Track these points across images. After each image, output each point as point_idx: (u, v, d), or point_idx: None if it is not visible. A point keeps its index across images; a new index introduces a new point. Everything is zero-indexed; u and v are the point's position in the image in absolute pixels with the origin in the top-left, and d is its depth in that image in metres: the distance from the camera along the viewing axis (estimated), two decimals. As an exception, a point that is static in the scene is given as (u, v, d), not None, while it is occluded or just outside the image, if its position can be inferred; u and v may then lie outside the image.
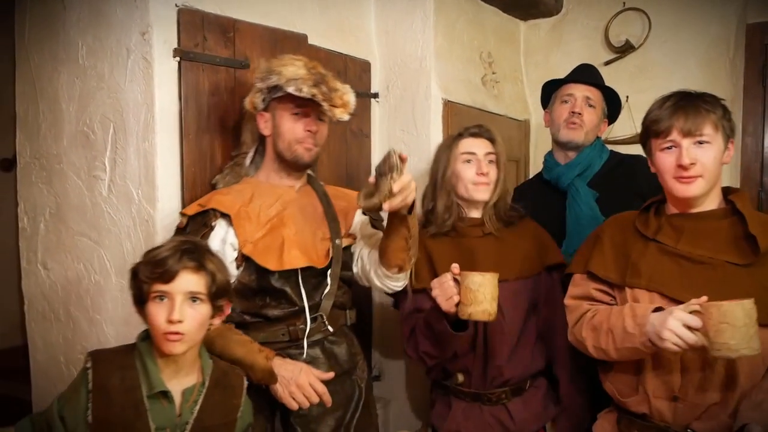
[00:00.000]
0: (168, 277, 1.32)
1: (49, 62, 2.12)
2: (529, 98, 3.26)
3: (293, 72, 1.73)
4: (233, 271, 1.68)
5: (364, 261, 1.87)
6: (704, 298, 1.35)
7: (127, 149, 1.90)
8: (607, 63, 3.03)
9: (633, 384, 1.56)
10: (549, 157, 2.31)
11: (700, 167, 1.46)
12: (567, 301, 1.73)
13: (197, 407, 1.39)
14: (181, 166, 1.91)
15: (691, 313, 1.36)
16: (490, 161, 1.94)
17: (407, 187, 1.57)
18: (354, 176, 2.55)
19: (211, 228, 1.70)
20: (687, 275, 1.48)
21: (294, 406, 1.59)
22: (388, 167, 1.54)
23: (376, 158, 2.66)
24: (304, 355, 1.75)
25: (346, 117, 1.79)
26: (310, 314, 1.76)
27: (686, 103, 1.47)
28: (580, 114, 2.16)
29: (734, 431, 1.42)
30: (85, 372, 1.35)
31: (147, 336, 1.39)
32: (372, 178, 1.59)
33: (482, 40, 2.91)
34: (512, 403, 1.91)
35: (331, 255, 1.80)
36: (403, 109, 2.60)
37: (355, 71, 2.55)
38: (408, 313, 1.96)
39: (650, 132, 1.53)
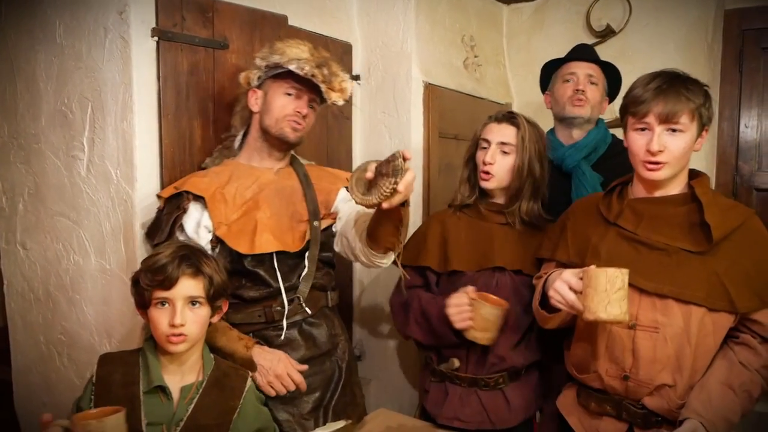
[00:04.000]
0: (168, 283, 1.38)
1: (26, 41, 2.10)
2: (511, 81, 3.28)
3: (297, 53, 1.77)
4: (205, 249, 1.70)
5: (350, 239, 1.84)
6: (592, 266, 1.41)
7: (105, 129, 1.89)
8: (589, 47, 3.05)
9: (588, 362, 1.62)
10: (552, 137, 2.25)
11: (668, 154, 1.48)
12: (534, 280, 1.79)
13: (192, 405, 1.42)
14: (160, 147, 1.91)
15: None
16: (504, 152, 1.90)
17: (410, 185, 1.48)
18: (334, 158, 2.56)
19: (184, 210, 1.73)
20: (643, 260, 1.51)
21: (272, 393, 1.65)
22: (392, 169, 1.45)
23: (357, 140, 2.67)
24: (282, 337, 1.76)
25: (341, 102, 1.83)
26: (287, 296, 1.77)
27: (668, 88, 1.47)
28: (583, 91, 2.17)
29: (679, 420, 1.47)
30: (92, 371, 1.44)
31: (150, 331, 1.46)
32: (370, 174, 1.50)
33: (464, 23, 2.91)
34: (509, 388, 1.92)
35: (308, 237, 1.80)
36: (384, 91, 2.60)
37: (336, 53, 2.54)
38: (403, 287, 1.96)
39: (628, 109, 1.54)
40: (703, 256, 1.48)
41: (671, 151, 1.48)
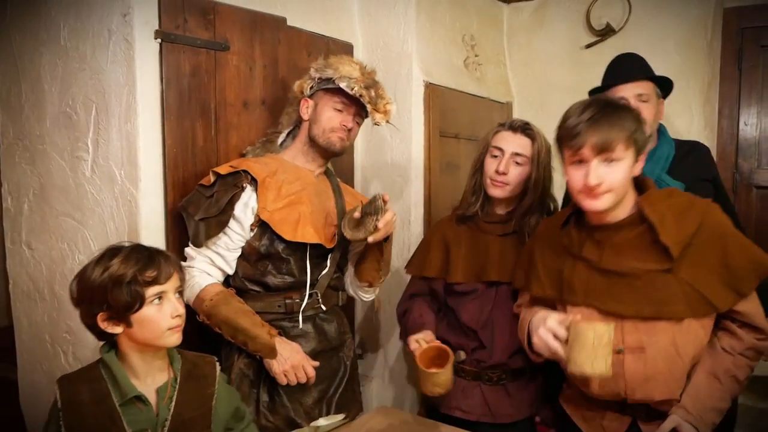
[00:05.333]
0: (166, 276, 1.36)
1: (31, 42, 2.12)
2: (511, 81, 3.29)
3: (348, 71, 1.89)
4: (248, 232, 1.83)
5: (348, 273, 2.06)
6: (578, 316, 1.45)
7: (109, 130, 1.92)
8: (588, 46, 3.06)
9: (584, 386, 1.62)
10: None
11: (607, 185, 1.46)
12: (515, 309, 1.85)
13: (173, 403, 1.41)
14: (163, 147, 1.93)
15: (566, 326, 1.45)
16: (517, 162, 1.90)
17: (389, 223, 1.78)
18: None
19: (242, 188, 1.83)
20: (615, 287, 1.52)
21: (284, 381, 1.78)
22: (373, 209, 1.76)
23: (358, 139, 2.68)
24: (299, 327, 1.89)
25: (383, 123, 1.99)
26: (309, 289, 1.90)
27: (601, 118, 1.45)
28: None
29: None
30: (55, 396, 1.37)
31: (111, 347, 1.39)
32: (357, 213, 1.79)
33: (465, 23, 2.93)
34: (512, 384, 1.95)
35: (336, 240, 1.93)
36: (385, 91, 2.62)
37: (338, 53, 2.56)
38: (408, 295, 2.12)
39: (563, 142, 1.51)
40: (670, 272, 1.48)
41: (610, 183, 1.46)
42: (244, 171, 1.85)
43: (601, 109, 1.46)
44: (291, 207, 1.86)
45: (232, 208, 1.82)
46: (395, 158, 2.61)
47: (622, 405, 1.58)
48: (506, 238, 1.95)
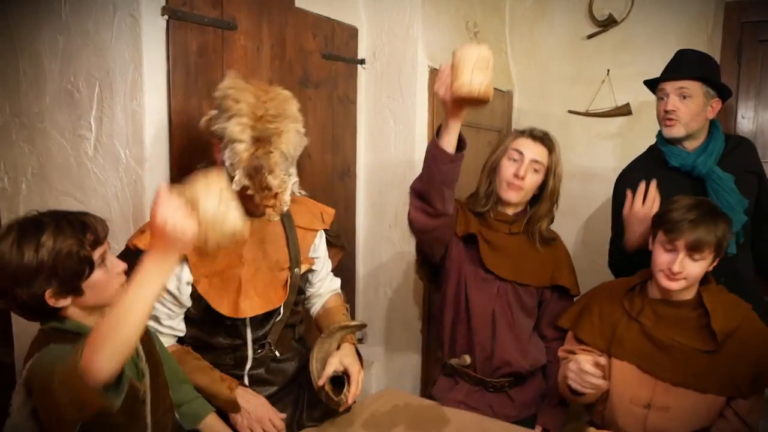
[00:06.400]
0: (104, 236, 1.36)
1: (30, 17, 2.06)
2: (512, 69, 3.29)
3: (237, 134, 1.51)
4: (186, 302, 1.68)
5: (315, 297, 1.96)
6: None
7: (113, 108, 1.87)
8: (590, 36, 3.07)
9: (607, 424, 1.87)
10: (671, 146, 2.17)
11: (686, 274, 1.73)
12: (560, 353, 1.98)
13: (142, 353, 1.42)
14: (169, 127, 1.89)
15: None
16: (535, 169, 1.96)
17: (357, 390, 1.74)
18: (340, 141, 2.57)
19: None
20: (660, 354, 1.79)
21: None
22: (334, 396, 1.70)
23: (361, 125, 2.67)
24: (245, 380, 1.78)
25: (275, 218, 1.66)
26: (257, 345, 1.78)
27: (701, 222, 1.71)
28: (673, 110, 2.09)
29: None
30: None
31: (61, 320, 1.35)
32: (321, 383, 1.69)
33: (468, 10, 2.92)
34: (514, 390, 2.04)
35: (288, 288, 1.77)
36: (389, 76, 2.61)
37: (343, 37, 2.54)
38: None
39: (662, 226, 1.77)
40: (710, 354, 1.75)
41: (689, 274, 1.74)
42: None
43: (704, 214, 1.73)
44: (230, 271, 1.68)
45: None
46: (399, 143, 2.60)
47: None
48: (513, 237, 2.02)
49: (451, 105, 1.63)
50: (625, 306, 1.90)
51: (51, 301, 1.31)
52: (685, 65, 2.14)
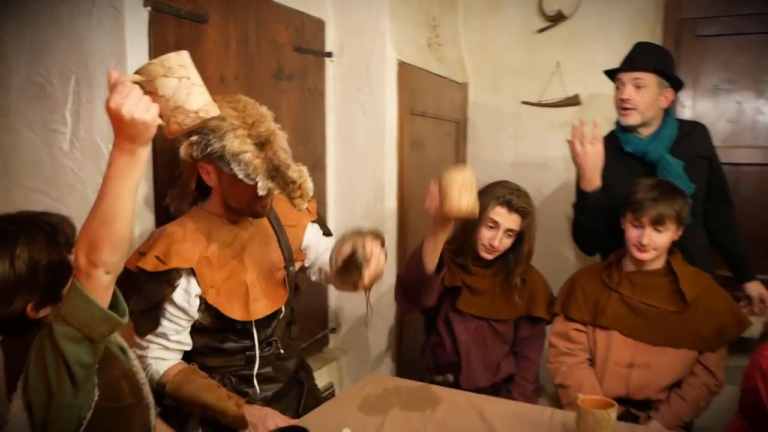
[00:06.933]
0: (74, 236, 1.33)
1: (-10, 6, 1.97)
2: (467, 62, 3.40)
3: (238, 146, 1.55)
4: (195, 315, 1.69)
5: (328, 272, 1.91)
6: (582, 401, 1.64)
7: (93, 102, 1.82)
8: (541, 30, 3.22)
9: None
10: (627, 133, 2.31)
11: (653, 246, 2.00)
12: (551, 337, 2.21)
13: None
14: (153, 121, 1.86)
15: None
16: (508, 235, 2.16)
17: (378, 272, 1.64)
18: (310, 133, 2.58)
19: (175, 287, 1.63)
20: (638, 318, 2.05)
21: None
22: (356, 265, 1.61)
23: (330, 116, 2.69)
24: (255, 376, 1.81)
25: (304, 206, 1.63)
26: (264, 344, 1.82)
27: (661, 199, 1.97)
28: (628, 99, 2.22)
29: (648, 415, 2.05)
30: None
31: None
32: (340, 262, 1.64)
33: (428, 4, 2.99)
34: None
35: (288, 286, 1.84)
36: (357, 69, 2.64)
37: (312, 29, 2.55)
38: None
39: (628, 207, 2.03)
40: (681, 314, 2.02)
41: (657, 244, 2.01)
42: (176, 269, 1.62)
43: (663, 192, 1.99)
44: (235, 277, 1.72)
45: (170, 304, 1.64)
46: (368, 135, 2.64)
47: (622, 400, 2.00)
48: (492, 279, 2.24)
49: (440, 222, 1.81)
50: (605, 280, 2.15)
51: (32, 314, 1.27)
52: (641, 57, 2.29)
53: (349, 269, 1.63)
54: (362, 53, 2.62)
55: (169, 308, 1.65)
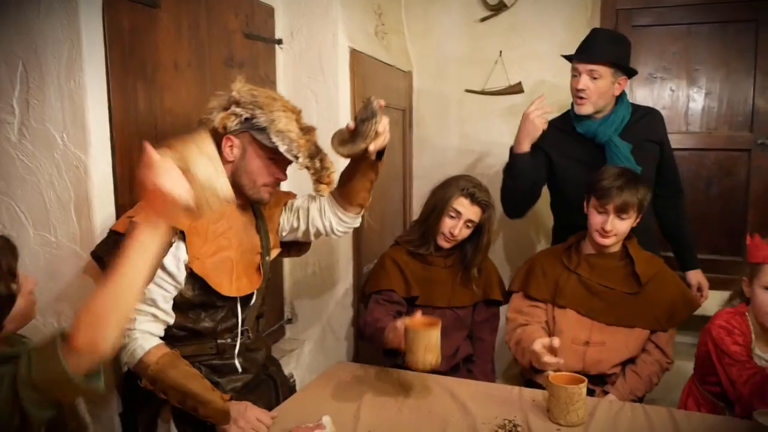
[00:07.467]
0: (17, 259, 1.31)
1: None
2: (410, 50, 3.43)
3: (285, 126, 1.67)
4: (182, 281, 1.67)
5: (318, 213, 1.97)
6: (553, 377, 1.75)
7: (44, 89, 1.73)
8: (483, 20, 3.29)
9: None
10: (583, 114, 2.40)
11: (615, 232, 2.10)
12: (509, 313, 2.29)
13: None
14: (109, 109, 1.79)
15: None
16: (467, 226, 2.27)
17: (387, 127, 1.72)
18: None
19: (170, 244, 1.62)
20: (595, 299, 2.16)
21: None
22: (370, 112, 1.65)
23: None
24: (233, 364, 1.81)
25: (326, 194, 1.82)
26: (241, 329, 1.82)
27: (625, 187, 2.05)
28: (584, 89, 2.30)
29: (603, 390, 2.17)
30: None
31: None
32: (351, 125, 1.73)
33: (374, -8, 3.00)
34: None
35: (263, 274, 1.85)
36: (308, 56, 2.62)
37: (261, 16, 2.51)
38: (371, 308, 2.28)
39: (594, 193, 2.12)
40: (636, 295, 2.13)
41: (618, 231, 2.11)
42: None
43: (628, 181, 2.07)
44: (221, 253, 1.73)
45: (162, 269, 1.64)
46: (321, 124, 2.62)
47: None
48: (449, 269, 2.36)
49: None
50: (564, 262, 2.26)
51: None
52: (598, 49, 2.34)
53: (361, 128, 1.68)
54: (314, 41, 2.60)
55: (159, 272, 1.63)
